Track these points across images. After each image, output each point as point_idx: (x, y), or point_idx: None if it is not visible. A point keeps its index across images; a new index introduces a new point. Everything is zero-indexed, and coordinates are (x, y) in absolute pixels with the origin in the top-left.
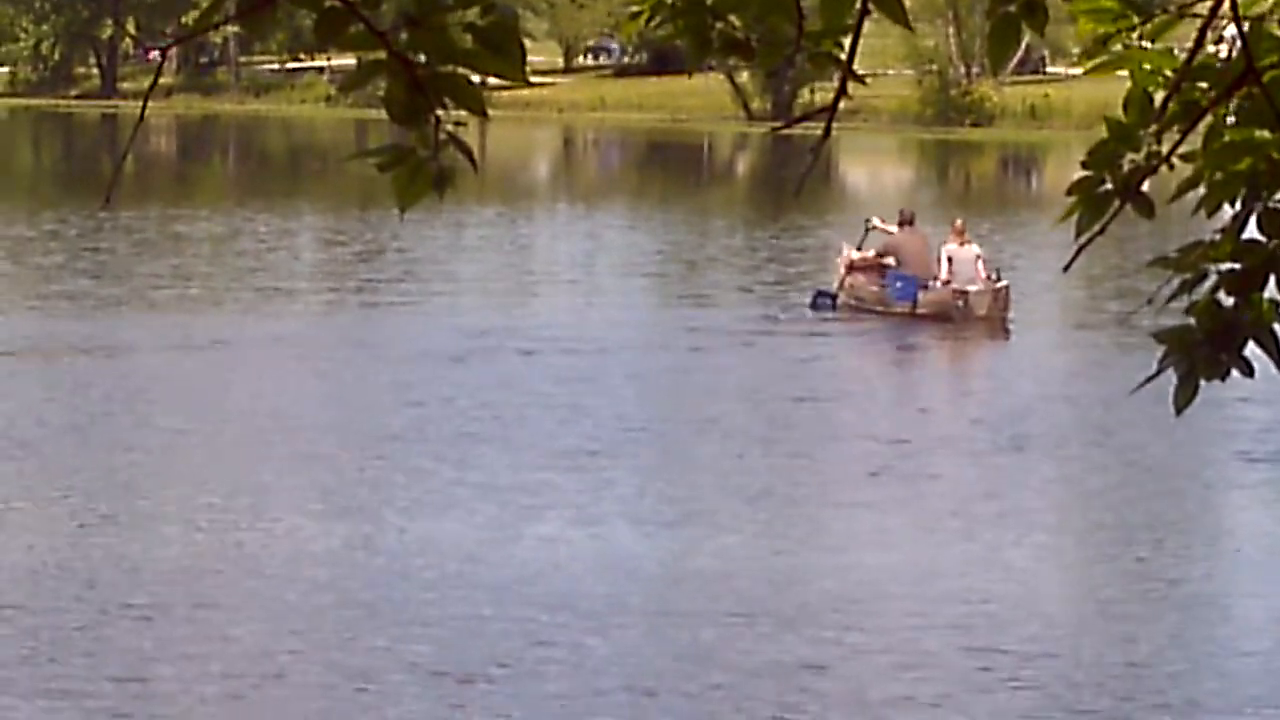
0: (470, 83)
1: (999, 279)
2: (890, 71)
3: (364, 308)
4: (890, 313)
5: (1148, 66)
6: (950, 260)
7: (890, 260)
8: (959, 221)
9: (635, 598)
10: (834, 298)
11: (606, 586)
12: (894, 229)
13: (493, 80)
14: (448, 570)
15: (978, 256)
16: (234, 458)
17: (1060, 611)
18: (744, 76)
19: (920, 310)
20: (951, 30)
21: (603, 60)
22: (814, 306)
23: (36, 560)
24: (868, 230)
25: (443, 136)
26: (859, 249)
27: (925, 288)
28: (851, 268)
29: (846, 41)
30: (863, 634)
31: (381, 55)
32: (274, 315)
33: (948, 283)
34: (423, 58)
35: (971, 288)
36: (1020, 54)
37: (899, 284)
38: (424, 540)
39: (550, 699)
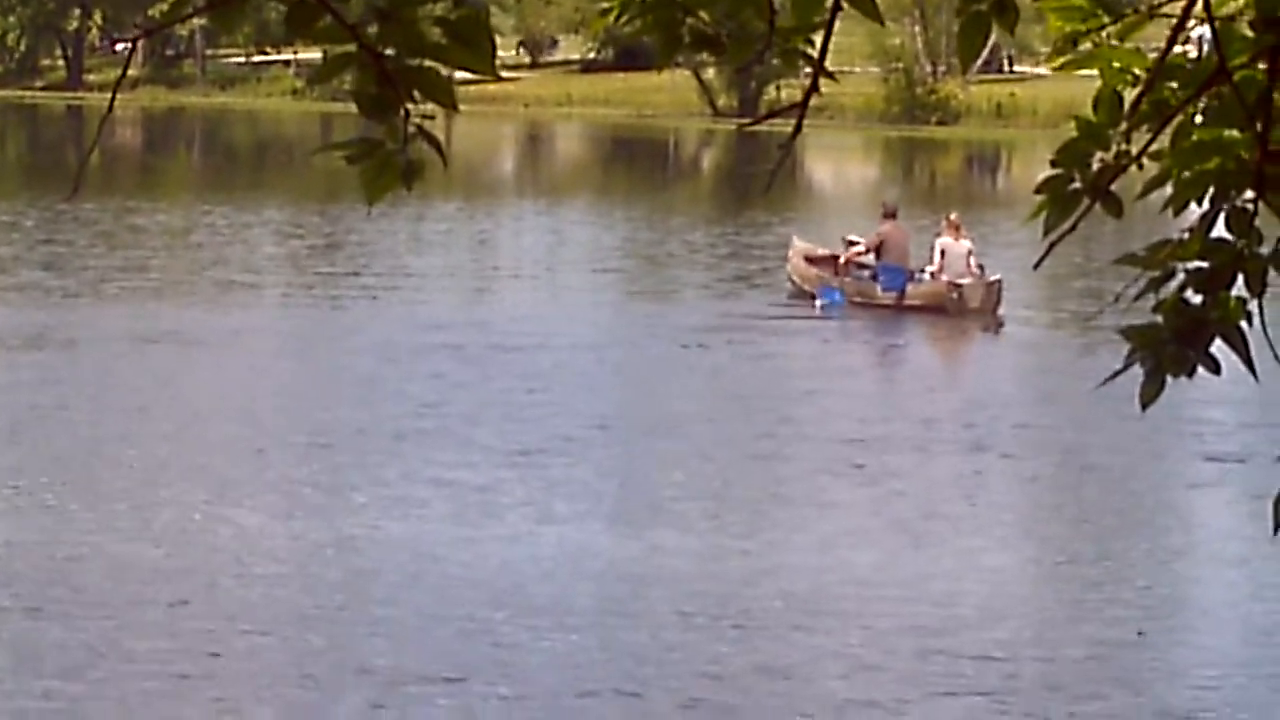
0: (440, 76)
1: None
2: (856, 69)
3: (325, 302)
4: (874, 304)
5: (1117, 65)
6: (943, 253)
7: (870, 255)
8: (954, 215)
9: (595, 599)
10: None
11: (566, 587)
12: (861, 241)
13: (459, 75)
14: (405, 569)
15: (970, 251)
16: (189, 452)
17: (1027, 615)
18: (710, 73)
19: (910, 301)
20: (918, 29)
21: (549, 57)
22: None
23: None
24: (848, 245)
25: (411, 129)
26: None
27: (913, 279)
28: (848, 263)
29: (817, 38)
30: (825, 636)
31: (351, 48)
32: (234, 308)
33: (937, 275)
34: (392, 51)
35: (963, 280)
36: (986, 53)
37: (885, 274)
38: (381, 538)
39: (506, 701)
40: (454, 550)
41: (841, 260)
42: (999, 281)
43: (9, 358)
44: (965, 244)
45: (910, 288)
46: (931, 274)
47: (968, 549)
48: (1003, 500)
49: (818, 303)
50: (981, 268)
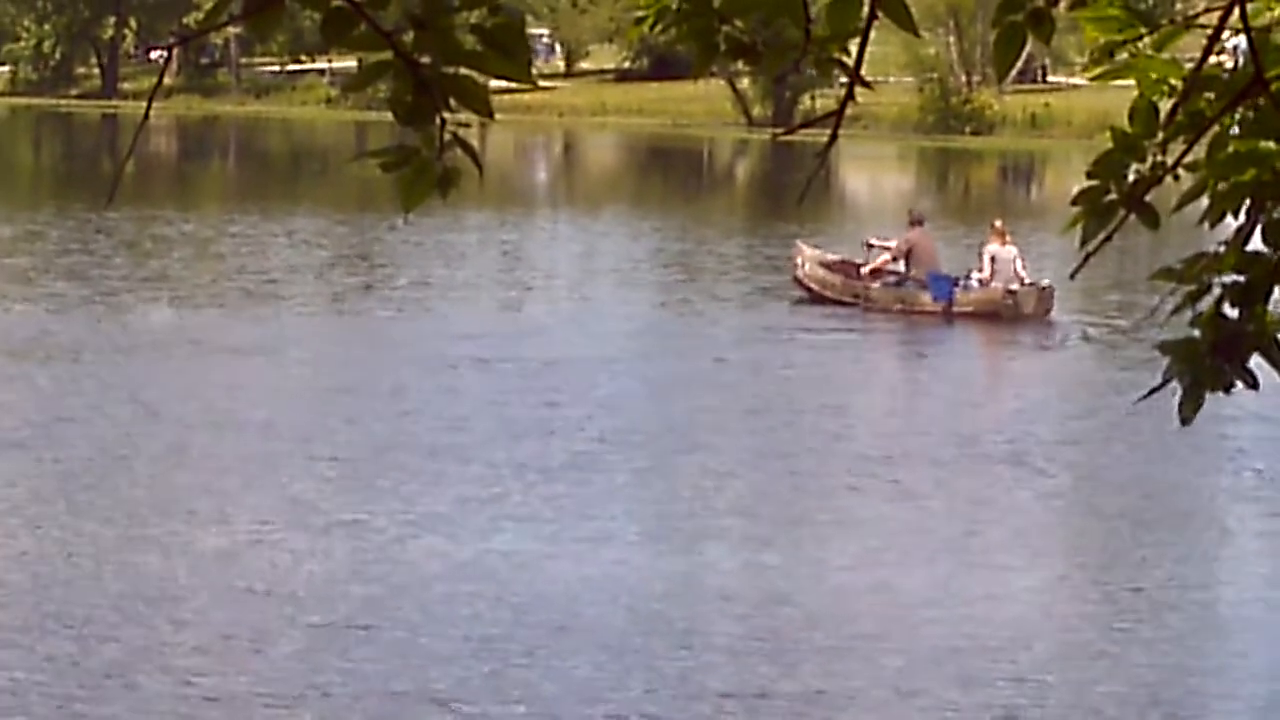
0: (476, 84)
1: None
2: (891, 79)
3: (353, 313)
4: (917, 311)
5: (1154, 76)
6: (993, 259)
7: (899, 263)
8: (999, 222)
9: (626, 619)
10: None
11: (596, 606)
12: (891, 244)
13: (494, 83)
14: (431, 587)
15: (1017, 257)
16: (210, 465)
17: (1064, 637)
18: (745, 83)
19: (961, 309)
20: (953, 39)
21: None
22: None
23: (5, 565)
24: (869, 249)
25: (447, 138)
26: (866, 264)
27: (959, 286)
28: (875, 273)
29: (853, 47)
30: (860, 659)
31: (387, 56)
32: (262, 319)
33: (987, 281)
34: (428, 59)
35: (1014, 286)
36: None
37: (934, 283)
38: (407, 555)
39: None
40: (483, 568)
41: (867, 269)
42: (1051, 287)
43: (32, 367)
44: (1012, 250)
45: (959, 295)
46: (980, 281)
47: (1006, 568)
48: (1040, 518)
49: (928, 295)
50: (1028, 272)
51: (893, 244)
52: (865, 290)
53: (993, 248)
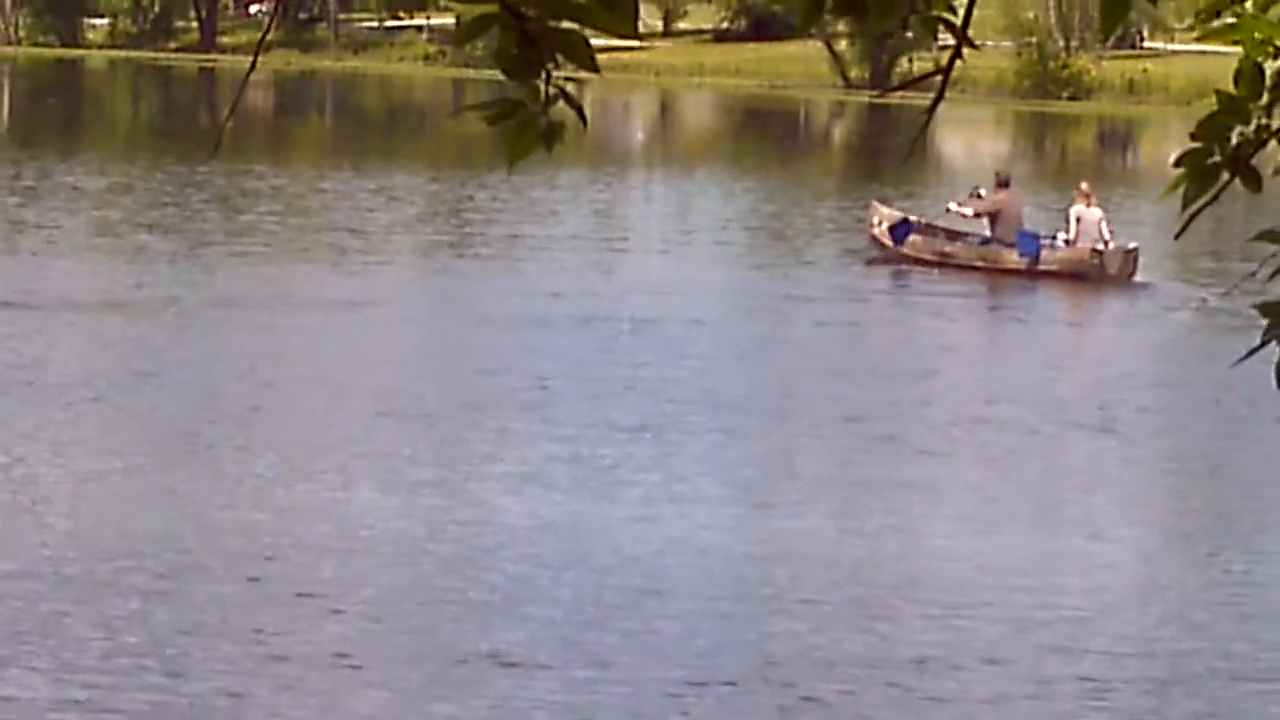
0: (581, 38)
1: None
2: (989, 43)
3: (445, 270)
4: (1000, 269)
5: (1259, 37)
6: (1079, 220)
7: (984, 222)
8: (1085, 184)
9: (705, 582)
10: (912, 225)
11: (683, 570)
12: (968, 211)
13: (594, 41)
14: (518, 548)
15: (1102, 218)
16: (300, 422)
17: (1149, 608)
18: (842, 45)
19: (1047, 267)
20: (1051, 2)
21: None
22: (895, 239)
23: (98, 519)
24: (971, 197)
25: (552, 91)
26: (958, 203)
27: (1047, 246)
28: (934, 227)
29: (959, 6)
30: (942, 628)
31: (493, 9)
32: (352, 275)
33: (1072, 242)
34: (534, 12)
35: (1099, 247)
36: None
37: (1021, 241)
38: (494, 516)
39: (617, 687)
40: (568, 529)
41: (951, 206)
42: (1136, 249)
43: (120, 321)
44: (1097, 211)
45: (1045, 254)
46: (1067, 241)
47: (1095, 536)
48: (1130, 486)
49: (1016, 253)
50: (1112, 234)
51: (968, 211)
52: (948, 248)
53: (1078, 209)
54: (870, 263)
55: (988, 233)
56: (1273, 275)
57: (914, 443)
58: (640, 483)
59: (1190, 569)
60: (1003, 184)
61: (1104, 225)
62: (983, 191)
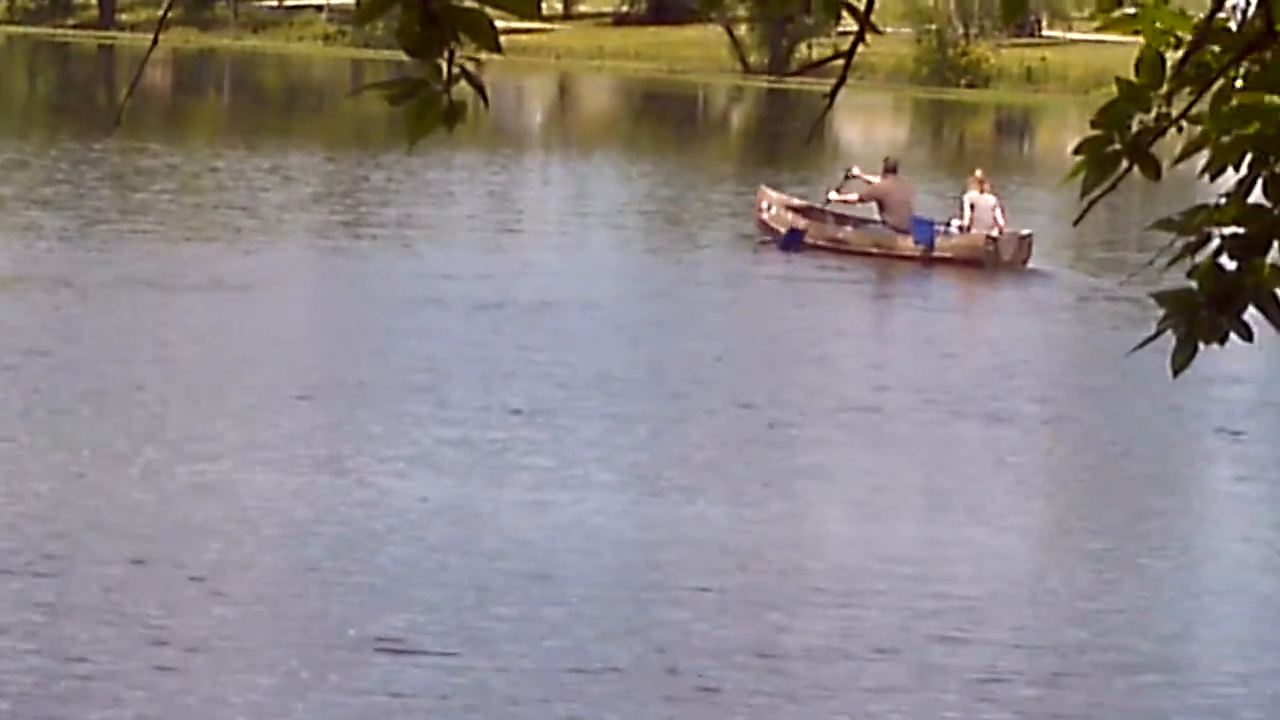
0: (484, 18)
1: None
2: (889, 29)
3: (338, 250)
4: (895, 255)
5: (1160, 27)
6: (972, 207)
7: (873, 206)
8: (979, 171)
9: (595, 567)
10: (802, 235)
11: (566, 553)
12: (875, 179)
13: (496, 22)
14: (407, 531)
15: (996, 205)
16: (188, 401)
17: (1040, 597)
18: (742, 29)
19: (941, 254)
20: None
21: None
22: (784, 247)
23: None
24: (847, 178)
25: (454, 71)
26: (837, 191)
27: (941, 233)
28: (838, 217)
29: None
30: (832, 616)
31: None
32: (244, 254)
33: (966, 229)
34: None
35: (993, 233)
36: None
37: (916, 228)
38: (381, 497)
39: (506, 674)
40: (459, 512)
41: (831, 196)
42: (1030, 235)
43: (9, 298)
44: (991, 198)
45: (940, 241)
46: (960, 228)
47: (986, 524)
48: (1023, 474)
49: (910, 240)
50: (1007, 221)
51: (874, 179)
52: (840, 234)
53: (972, 195)
54: (761, 246)
55: (878, 218)
56: (1169, 264)
57: (806, 429)
58: (530, 467)
59: (1082, 560)
60: (890, 169)
61: (998, 212)
62: (856, 170)
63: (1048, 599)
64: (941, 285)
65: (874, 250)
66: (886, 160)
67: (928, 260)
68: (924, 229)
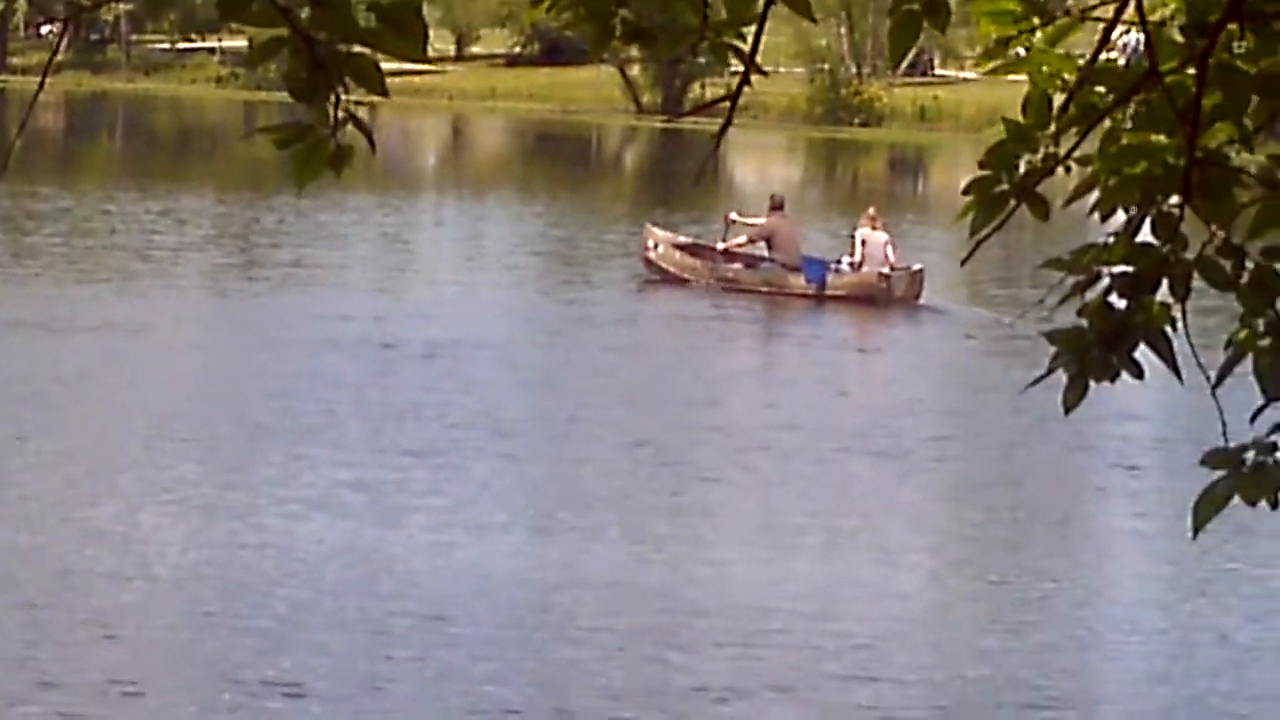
0: (371, 63)
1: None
2: (781, 69)
3: (230, 293)
4: (786, 293)
5: (1047, 69)
6: (864, 243)
7: (761, 245)
8: (872, 209)
9: (490, 609)
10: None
11: (461, 596)
12: (757, 220)
13: (386, 65)
14: (296, 573)
15: (888, 241)
16: (79, 446)
17: (934, 634)
18: (635, 70)
19: (834, 292)
20: (844, 30)
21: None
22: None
23: None
24: (728, 224)
25: (341, 115)
26: (723, 241)
27: (832, 270)
28: (725, 254)
29: (748, 33)
30: (729, 656)
31: (283, 32)
32: (135, 297)
33: (858, 265)
34: (324, 35)
35: (885, 270)
36: (911, 55)
37: (808, 266)
38: (275, 540)
39: (396, 714)
40: (353, 555)
41: (721, 246)
42: (921, 271)
43: None
44: (883, 235)
45: (831, 278)
46: (852, 265)
47: (882, 563)
48: (919, 511)
49: (802, 278)
50: (898, 257)
51: (752, 221)
52: (730, 272)
53: (864, 232)
54: (645, 285)
55: (766, 254)
56: (1060, 302)
57: (701, 469)
58: (425, 508)
59: (979, 597)
60: (776, 206)
61: (890, 249)
62: (734, 216)
63: (946, 637)
64: (835, 322)
65: (765, 289)
66: (772, 197)
67: (820, 298)
68: (815, 267)
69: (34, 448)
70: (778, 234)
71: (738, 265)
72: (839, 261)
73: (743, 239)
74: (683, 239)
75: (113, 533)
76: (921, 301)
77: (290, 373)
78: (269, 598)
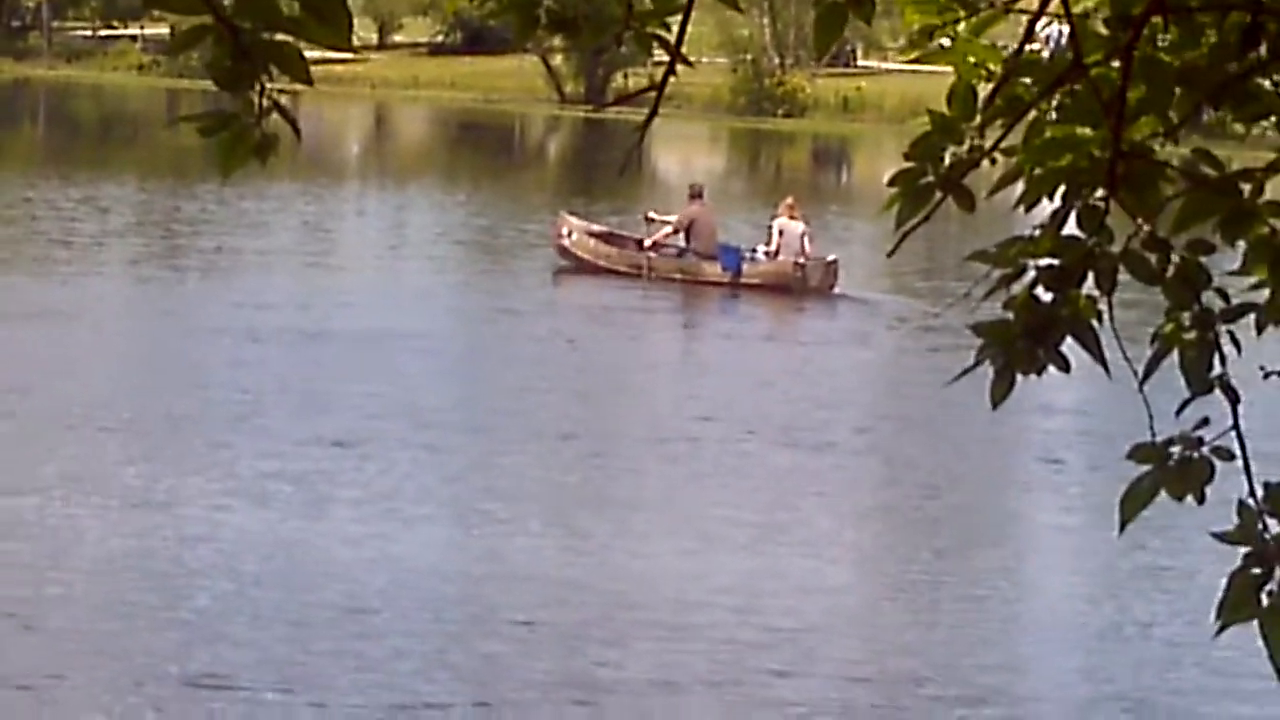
0: (295, 51)
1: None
2: (704, 59)
3: (151, 281)
4: (701, 281)
5: (972, 60)
6: (781, 233)
7: (680, 236)
8: (790, 198)
9: (410, 599)
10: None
11: (382, 587)
12: (670, 218)
13: (309, 53)
14: (217, 564)
15: (805, 232)
16: (4, 434)
17: (861, 630)
18: (558, 59)
19: (749, 280)
20: (766, 20)
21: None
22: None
23: None
24: (648, 222)
25: (266, 103)
26: (648, 237)
27: (747, 259)
28: (654, 246)
29: (674, 23)
30: (655, 649)
31: (207, 20)
32: (54, 285)
33: (774, 254)
34: (248, 24)
35: (800, 260)
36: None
37: (723, 254)
38: (195, 531)
39: (318, 707)
40: (274, 546)
41: (649, 241)
42: (836, 261)
43: None
44: (800, 225)
45: (747, 267)
46: (767, 253)
47: (807, 555)
48: (843, 503)
49: (717, 266)
50: (814, 247)
51: (673, 218)
52: (646, 260)
53: (781, 221)
54: (558, 273)
55: (682, 243)
56: (986, 295)
57: (625, 459)
58: (348, 499)
59: (906, 591)
60: (696, 195)
61: (806, 239)
62: (652, 214)
63: (873, 631)
64: (750, 311)
65: (679, 276)
66: (692, 186)
67: (735, 286)
68: (731, 255)
69: None
70: (696, 222)
71: (652, 254)
72: (754, 250)
73: (668, 230)
74: (596, 227)
75: (31, 524)
76: (836, 291)
77: (211, 361)
78: (190, 589)
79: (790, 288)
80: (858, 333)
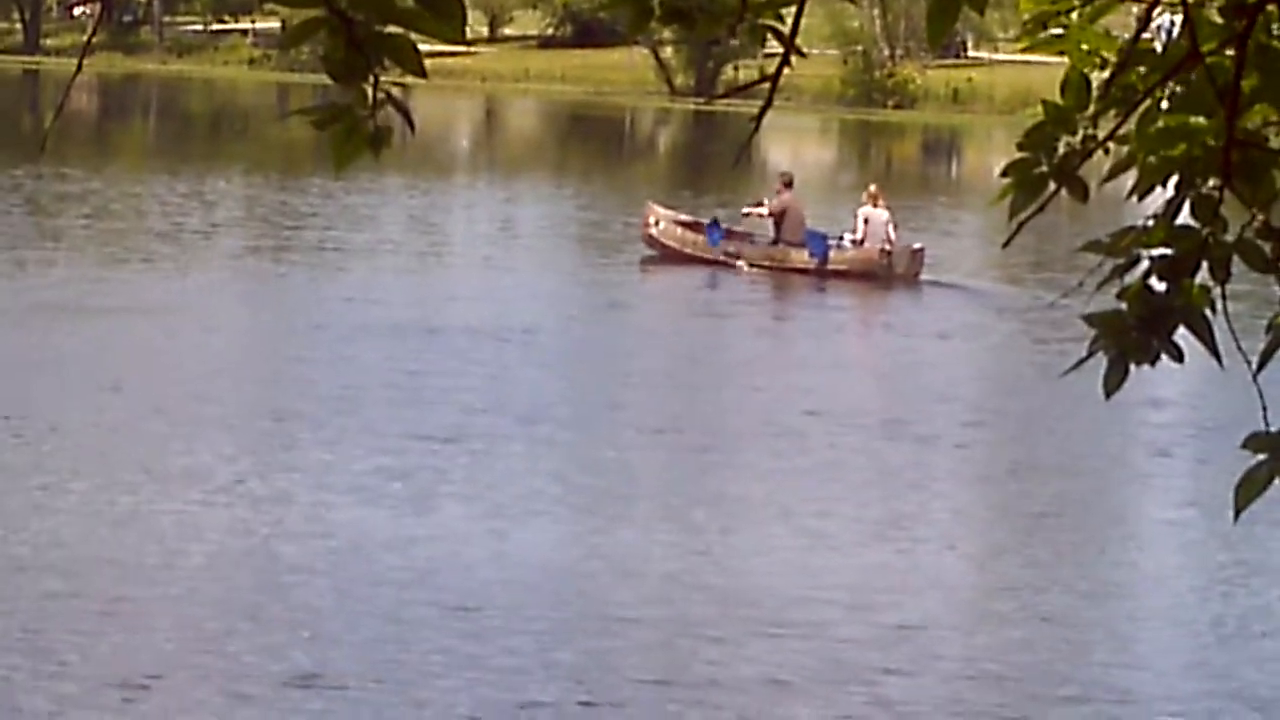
0: (409, 43)
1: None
2: (815, 51)
3: (259, 276)
4: (789, 268)
5: (1086, 48)
6: (866, 221)
7: (770, 223)
8: (873, 186)
9: (524, 597)
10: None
11: (494, 585)
12: (762, 209)
13: (421, 46)
14: (327, 561)
15: (889, 219)
16: (105, 431)
17: (980, 626)
18: (668, 52)
19: (836, 267)
20: (877, 11)
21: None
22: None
23: None
24: (745, 217)
25: (380, 96)
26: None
27: (834, 246)
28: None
29: (787, 15)
30: (767, 649)
31: (320, 13)
32: (162, 280)
33: (860, 242)
34: (361, 16)
35: (886, 247)
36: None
37: (810, 240)
38: (304, 527)
39: (424, 706)
40: (384, 543)
41: (743, 211)
42: (922, 249)
43: None
44: (884, 213)
45: (834, 254)
46: (854, 241)
47: (919, 551)
48: (951, 498)
49: (805, 253)
50: (898, 234)
51: (764, 210)
52: (733, 247)
53: (866, 209)
54: (644, 262)
55: (773, 234)
56: (1099, 286)
57: (732, 453)
58: (453, 495)
59: (1019, 586)
60: (787, 184)
61: (890, 226)
62: (747, 209)
63: (985, 628)
64: (839, 301)
65: (767, 264)
66: (783, 175)
67: (822, 273)
68: (818, 242)
69: (61, 432)
70: (790, 210)
71: (745, 244)
72: (841, 238)
73: (765, 212)
74: (684, 216)
75: (140, 520)
76: (922, 278)
77: (319, 357)
78: (295, 586)
79: (876, 275)
80: (952, 322)
